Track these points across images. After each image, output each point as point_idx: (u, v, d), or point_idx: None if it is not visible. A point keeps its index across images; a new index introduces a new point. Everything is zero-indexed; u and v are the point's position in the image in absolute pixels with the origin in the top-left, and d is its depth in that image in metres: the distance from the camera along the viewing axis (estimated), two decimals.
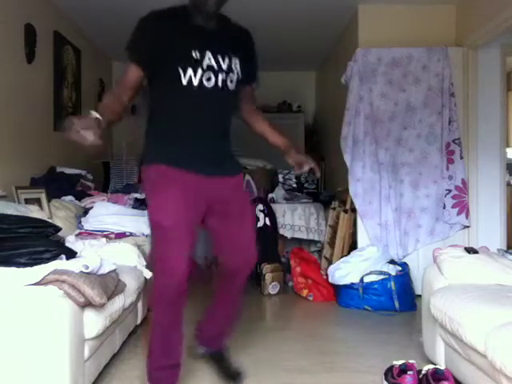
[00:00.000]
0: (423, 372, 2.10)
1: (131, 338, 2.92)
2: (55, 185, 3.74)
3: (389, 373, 2.23)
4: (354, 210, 4.09)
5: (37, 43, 3.83)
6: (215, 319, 2.39)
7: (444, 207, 3.92)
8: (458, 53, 3.99)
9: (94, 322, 2.09)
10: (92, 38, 5.18)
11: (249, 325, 3.18)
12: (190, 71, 1.99)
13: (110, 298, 2.20)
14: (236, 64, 2.10)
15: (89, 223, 3.51)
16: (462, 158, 3.92)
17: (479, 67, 3.98)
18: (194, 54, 1.99)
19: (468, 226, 3.97)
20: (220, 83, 2.04)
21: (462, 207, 3.92)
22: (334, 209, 4.45)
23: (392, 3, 4.18)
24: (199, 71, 1.99)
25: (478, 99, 4.00)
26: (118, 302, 2.38)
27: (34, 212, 2.99)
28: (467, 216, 3.93)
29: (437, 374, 2.10)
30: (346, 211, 4.13)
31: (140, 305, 3.05)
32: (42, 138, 4.06)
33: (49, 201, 3.46)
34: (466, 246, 2.91)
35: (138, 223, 3.58)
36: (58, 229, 2.49)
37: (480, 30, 3.76)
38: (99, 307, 2.09)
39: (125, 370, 2.52)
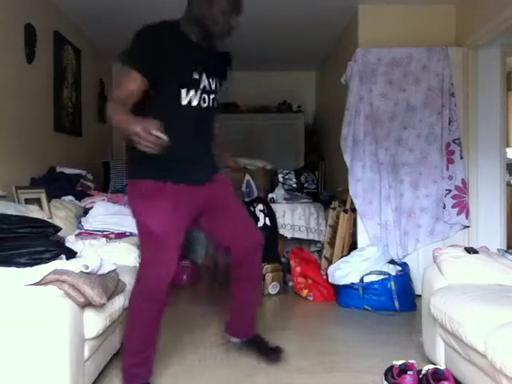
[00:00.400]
0: (423, 372, 2.10)
1: None
2: (55, 185, 3.74)
3: (389, 373, 2.23)
4: (354, 210, 4.09)
5: (37, 43, 3.83)
6: (243, 308, 2.58)
7: (444, 207, 3.92)
8: (458, 53, 3.99)
9: (94, 322, 2.09)
10: (92, 37, 5.18)
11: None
12: (191, 93, 2.09)
13: (109, 298, 2.20)
14: (218, 84, 2.23)
15: (89, 223, 3.51)
16: (462, 157, 3.92)
17: (479, 67, 3.98)
18: (194, 76, 2.09)
19: (468, 226, 3.97)
20: (211, 103, 2.18)
21: (462, 207, 3.92)
22: (333, 209, 4.45)
23: (392, 3, 4.19)
24: (198, 93, 2.11)
25: (478, 99, 4.00)
26: (118, 302, 2.38)
27: (33, 212, 2.99)
28: (467, 216, 3.93)
29: (437, 374, 2.10)
30: (346, 211, 4.13)
31: None
32: (42, 138, 4.06)
33: (49, 201, 3.46)
34: (466, 246, 2.91)
35: None
36: (58, 229, 2.49)
37: (480, 29, 3.76)
38: (99, 307, 2.09)
39: None
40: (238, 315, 2.62)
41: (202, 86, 2.11)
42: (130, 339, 2.20)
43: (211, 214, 2.29)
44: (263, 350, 2.57)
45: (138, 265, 2.96)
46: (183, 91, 2.06)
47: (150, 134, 1.70)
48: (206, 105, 2.14)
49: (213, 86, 2.17)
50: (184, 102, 2.08)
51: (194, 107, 2.10)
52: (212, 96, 2.18)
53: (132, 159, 2.16)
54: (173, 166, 2.07)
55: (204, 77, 2.12)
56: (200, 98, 2.11)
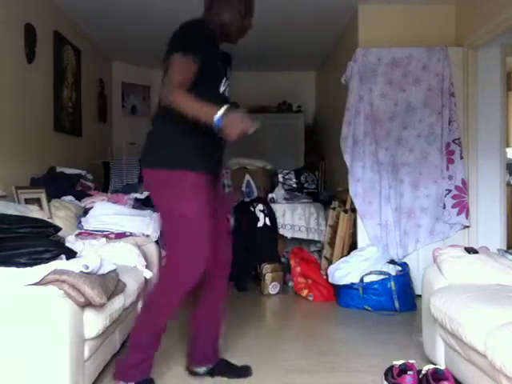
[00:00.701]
0: (423, 372, 2.10)
1: None
2: (55, 185, 3.74)
3: (389, 373, 2.23)
4: (354, 210, 4.09)
5: (37, 43, 3.83)
6: (206, 332, 2.40)
7: (444, 207, 3.92)
8: (458, 53, 3.99)
9: (94, 322, 2.09)
10: (92, 37, 5.18)
11: (249, 325, 3.18)
12: (223, 81, 2.19)
13: (109, 298, 2.20)
14: None
15: (89, 223, 3.51)
16: (462, 157, 3.92)
17: (479, 67, 3.98)
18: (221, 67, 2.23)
19: (468, 226, 3.97)
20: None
21: (462, 207, 3.92)
22: (333, 209, 4.45)
23: (392, 3, 4.18)
24: (226, 83, 2.22)
25: (478, 99, 4.00)
26: (118, 302, 2.37)
27: (34, 212, 2.99)
28: (467, 216, 3.93)
29: (437, 374, 2.10)
30: (346, 211, 4.13)
31: (140, 305, 3.05)
32: (42, 138, 4.06)
33: (49, 201, 3.45)
34: (466, 246, 2.91)
35: (137, 223, 3.58)
36: (58, 229, 2.49)
37: (480, 29, 3.76)
38: (99, 307, 2.09)
39: None
40: (201, 336, 2.41)
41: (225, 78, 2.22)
42: (140, 334, 2.16)
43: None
44: (233, 373, 2.40)
45: (138, 265, 2.99)
46: (223, 80, 2.18)
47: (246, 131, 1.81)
48: (227, 95, 2.23)
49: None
50: (221, 89, 2.18)
51: (225, 96, 2.20)
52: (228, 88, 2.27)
53: (161, 147, 2.12)
54: (206, 157, 2.11)
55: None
56: (225, 88, 2.21)
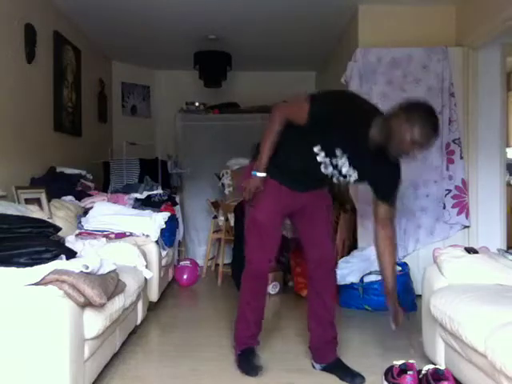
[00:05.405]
0: (423, 372, 2.10)
1: (131, 338, 2.92)
2: (55, 185, 3.74)
3: (389, 373, 2.23)
4: (354, 210, 4.08)
5: (37, 43, 3.83)
6: (317, 332, 2.59)
7: (444, 207, 3.92)
8: (458, 53, 3.99)
9: (94, 322, 2.09)
10: (92, 38, 5.18)
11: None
12: (323, 154, 2.34)
13: (109, 298, 2.20)
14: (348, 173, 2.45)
15: (89, 223, 3.51)
16: (461, 158, 3.92)
17: (479, 67, 3.98)
18: (337, 152, 2.35)
19: (468, 226, 3.97)
20: (332, 175, 2.46)
21: (462, 207, 3.92)
22: (334, 209, 4.45)
23: (392, 3, 4.18)
24: (326, 159, 2.37)
25: (478, 99, 3.99)
26: (118, 302, 2.38)
27: (34, 212, 2.99)
28: (467, 216, 3.93)
29: (437, 374, 2.10)
30: (346, 211, 4.12)
31: (140, 305, 3.05)
32: (42, 138, 4.06)
33: (49, 201, 3.45)
34: (466, 246, 2.91)
35: (137, 223, 3.58)
36: (58, 229, 2.49)
37: (480, 29, 3.76)
38: (99, 307, 2.09)
39: (125, 370, 2.53)
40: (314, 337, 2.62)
41: (329, 161, 2.32)
42: (242, 311, 2.56)
43: (298, 216, 2.58)
44: (346, 376, 2.46)
45: (138, 265, 2.99)
46: (322, 153, 2.31)
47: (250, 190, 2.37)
48: (326, 171, 2.35)
49: (342, 170, 2.34)
50: (319, 159, 2.33)
51: (318, 162, 2.33)
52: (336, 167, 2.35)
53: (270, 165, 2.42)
54: (284, 176, 2.44)
55: (343, 160, 2.31)
56: (325, 162, 2.33)
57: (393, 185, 2.42)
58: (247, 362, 2.52)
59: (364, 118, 2.24)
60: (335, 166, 2.33)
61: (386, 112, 2.23)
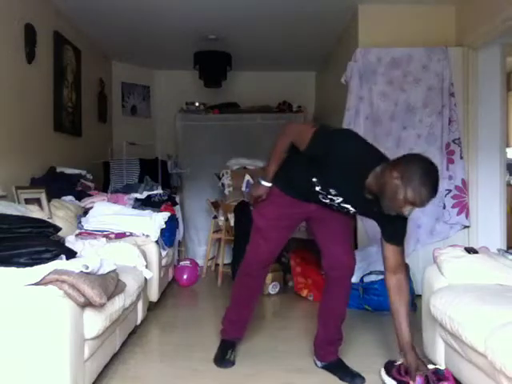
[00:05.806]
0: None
1: (131, 338, 2.92)
2: (55, 185, 3.74)
3: (392, 368, 2.24)
4: None
5: (37, 43, 3.83)
6: (324, 333, 2.63)
7: (444, 207, 3.92)
8: (458, 53, 3.99)
9: (94, 322, 2.09)
10: (92, 38, 5.18)
11: (249, 325, 3.17)
12: (316, 182, 2.33)
13: (109, 298, 2.20)
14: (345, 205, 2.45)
15: (89, 223, 3.51)
16: (462, 158, 3.92)
17: (479, 67, 3.98)
18: (331, 192, 2.36)
19: (468, 226, 3.97)
20: (332, 203, 2.46)
21: (462, 207, 3.92)
22: None
23: (392, 3, 4.18)
24: (317, 183, 2.38)
25: (478, 99, 3.99)
26: (118, 302, 2.38)
27: (34, 212, 2.99)
28: (467, 216, 3.93)
29: (437, 374, 2.10)
30: None
31: (140, 305, 3.05)
32: (42, 138, 4.06)
33: (49, 201, 3.45)
34: (466, 246, 2.91)
35: (137, 223, 3.58)
36: (58, 229, 2.49)
37: (480, 29, 3.76)
38: (99, 307, 2.09)
39: (125, 370, 2.53)
40: (321, 335, 2.64)
41: (326, 194, 2.30)
42: (233, 303, 2.71)
43: (315, 222, 2.54)
44: (345, 376, 2.46)
45: (138, 265, 3.00)
46: (314, 179, 2.29)
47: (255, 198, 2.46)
48: (324, 200, 2.34)
49: (341, 204, 2.32)
50: (315, 187, 2.31)
51: (316, 190, 2.32)
52: (332, 200, 2.32)
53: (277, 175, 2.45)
54: (289, 188, 2.44)
55: (340, 199, 2.29)
56: (323, 194, 2.31)
57: (400, 226, 2.31)
58: (223, 353, 2.65)
59: (362, 168, 2.11)
60: (332, 200, 2.31)
61: (389, 162, 2.10)
